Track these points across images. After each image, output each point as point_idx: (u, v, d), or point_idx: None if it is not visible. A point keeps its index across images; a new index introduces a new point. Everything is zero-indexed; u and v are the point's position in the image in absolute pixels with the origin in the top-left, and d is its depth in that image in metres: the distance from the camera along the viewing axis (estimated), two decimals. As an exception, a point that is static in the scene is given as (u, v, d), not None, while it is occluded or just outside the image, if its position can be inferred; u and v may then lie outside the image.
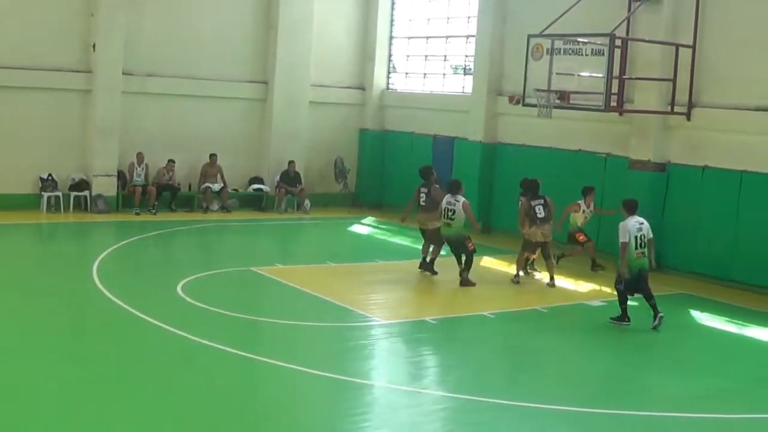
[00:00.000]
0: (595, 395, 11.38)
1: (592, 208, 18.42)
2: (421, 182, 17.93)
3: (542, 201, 17.20)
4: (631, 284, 14.30)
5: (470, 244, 16.69)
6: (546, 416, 10.41)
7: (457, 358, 12.97)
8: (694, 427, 10.47)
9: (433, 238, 17.47)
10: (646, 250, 14.28)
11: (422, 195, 17.73)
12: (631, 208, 14.48)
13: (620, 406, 10.92)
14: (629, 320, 14.40)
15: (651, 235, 14.41)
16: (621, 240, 14.13)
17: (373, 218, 24.31)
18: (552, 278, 17.11)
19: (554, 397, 11.01)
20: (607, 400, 11.20)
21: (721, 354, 13.67)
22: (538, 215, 17.08)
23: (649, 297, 14.36)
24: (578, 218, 18.25)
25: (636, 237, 14.16)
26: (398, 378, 11.76)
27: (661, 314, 14.15)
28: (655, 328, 14.11)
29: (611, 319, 14.60)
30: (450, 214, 16.58)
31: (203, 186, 23.66)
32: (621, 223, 14.34)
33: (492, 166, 22.71)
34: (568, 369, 12.51)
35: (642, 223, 14.31)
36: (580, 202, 18.27)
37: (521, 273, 17.60)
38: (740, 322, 15.36)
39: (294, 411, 10.17)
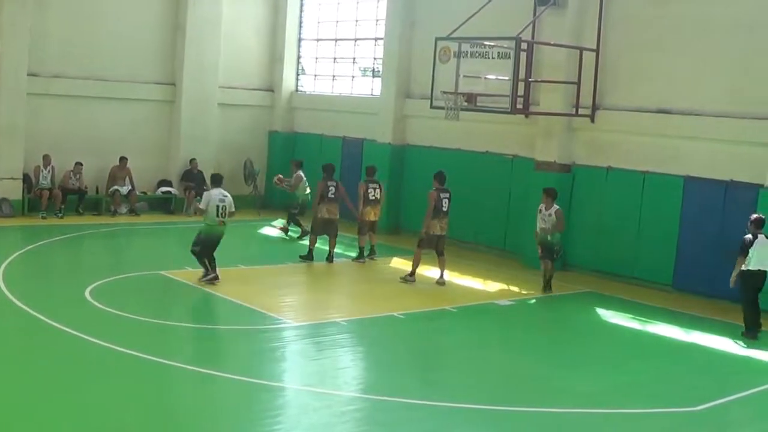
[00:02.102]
0: (504, 393, 11.57)
1: (550, 215, 16.99)
2: (325, 177, 19.06)
3: (448, 195, 17.42)
4: (208, 245, 16.05)
5: None
6: (457, 415, 10.56)
7: (369, 359, 13.09)
8: (599, 422, 10.73)
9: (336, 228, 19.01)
10: (225, 219, 16.09)
11: (331, 188, 18.89)
12: (217, 181, 16.45)
13: (529, 404, 11.15)
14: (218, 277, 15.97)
15: (233, 209, 16.31)
16: (201, 206, 16.25)
17: (283, 220, 24.24)
18: (442, 275, 17.40)
19: (465, 396, 11.18)
20: (516, 397, 11.40)
21: (625, 350, 14.04)
22: (443, 208, 17.29)
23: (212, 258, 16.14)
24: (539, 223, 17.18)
25: (218, 206, 15.92)
26: (310, 380, 11.80)
27: None
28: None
29: (203, 280, 15.97)
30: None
31: (111, 189, 23.35)
32: (205, 193, 16.51)
33: (401, 167, 22.92)
34: (478, 368, 12.70)
35: (226, 196, 16.12)
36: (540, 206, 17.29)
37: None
38: (643, 319, 15.77)
39: (205, 415, 10.13)
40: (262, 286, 16.71)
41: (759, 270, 14.58)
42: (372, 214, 19.00)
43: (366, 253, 19.20)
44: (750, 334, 14.68)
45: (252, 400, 10.66)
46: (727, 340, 14.64)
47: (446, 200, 17.34)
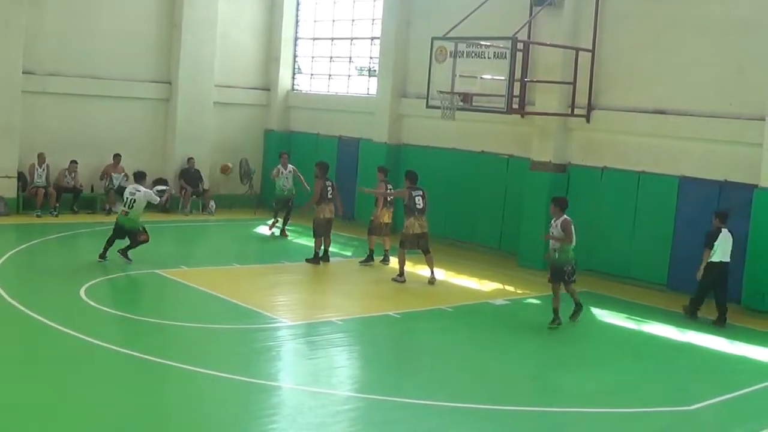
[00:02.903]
0: (499, 392, 11.58)
1: (556, 225, 14.74)
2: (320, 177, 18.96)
3: (421, 192, 17.41)
4: (118, 235, 17.37)
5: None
6: (453, 414, 10.57)
7: (364, 358, 13.10)
8: (594, 422, 10.75)
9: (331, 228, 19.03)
10: (130, 210, 17.32)
11: (329, 188, 18.88)
12: (139, 177, 17.96)
13: (524, 403, 11.20)
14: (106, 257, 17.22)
15: (152, 204, 17.75)
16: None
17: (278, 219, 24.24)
18: (432, 274, 17.38)
19: (461, 395, 11.20)
20: (511, 397, 11.43)
21: (620, 349, 14.07)
22: (417, 206, 17.26)
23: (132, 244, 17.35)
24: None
25: (126, 198, 17.48)
26: (305, 379, 11.80)
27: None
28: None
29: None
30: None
31: (109, 186, 23.32)
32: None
33: (396, 167, 22.87)
34: (474, 367, 12.71)
35: (138, 191, 17.36)
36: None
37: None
38: (638, 319, 15.81)
39: (201, 414, 10.14)
40: (258, 285, 16.71)
41: (722, 261, 15.53)
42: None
43: (378, 256, 19.07)
44: (692, 312, 15.85)
45: (247, 400, 10.67)
46: (721, 339, 14.69)
47: (419, 198, 17.31)
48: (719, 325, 15.41)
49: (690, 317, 15.76)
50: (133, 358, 11.66)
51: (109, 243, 17.27)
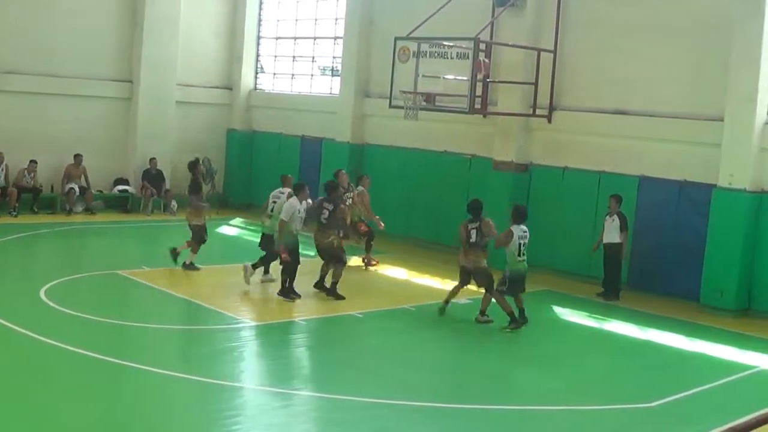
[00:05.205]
0: (462, 391, 11.66)
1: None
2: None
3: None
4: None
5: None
6: (415, 413, 10.60)
7: (327, 358, 13.08)
8: (557, 419, 10.84)
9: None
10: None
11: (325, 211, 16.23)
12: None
13: (486, 401, 11.24)
14: None
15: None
16: None
17: (241, 219, 24.19)
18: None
19: (423, 394, 11.24)
20: (473, 395, 11.49)
21: (581, 347, 14.21)
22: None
23: None
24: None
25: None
26: (269, 379, 11.81)
27: None
28: None
29: None
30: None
31: (67, 187, 23.12)
32: None
33: (359, 166, 22.89)
34: (436, 366, 12.77)
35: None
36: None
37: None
38: (598, 317, 15.95)
39: (163, 416, 10.09)
40: (220, 285, 16.63)
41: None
42: None
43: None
44: (614, 295, 17.18)
45: (210, 401, 10.63)
46: (681, 337, 14.85)
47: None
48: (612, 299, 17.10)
49: (611, 300, 17.12)
50: (93, 359, 11.57)
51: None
